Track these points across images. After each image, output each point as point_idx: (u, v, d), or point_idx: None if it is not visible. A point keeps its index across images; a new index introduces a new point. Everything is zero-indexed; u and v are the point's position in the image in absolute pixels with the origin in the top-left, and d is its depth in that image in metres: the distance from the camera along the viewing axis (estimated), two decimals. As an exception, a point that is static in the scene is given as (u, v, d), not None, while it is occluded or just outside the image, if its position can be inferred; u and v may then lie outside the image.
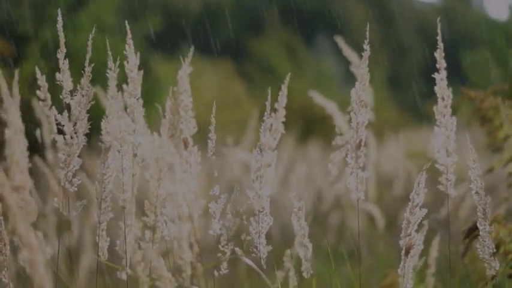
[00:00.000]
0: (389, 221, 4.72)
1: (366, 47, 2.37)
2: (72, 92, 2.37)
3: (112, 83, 2.42)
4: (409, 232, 2.25)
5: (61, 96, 2.37)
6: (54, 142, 3.05)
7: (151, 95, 8.33)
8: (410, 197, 2.25)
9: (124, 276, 2.43)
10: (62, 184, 2.34)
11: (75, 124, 2.36)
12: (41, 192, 3.56)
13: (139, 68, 2.47)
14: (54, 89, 2.54)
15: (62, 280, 3.04)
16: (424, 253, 2.85)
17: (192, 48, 2.60)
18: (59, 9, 2.37)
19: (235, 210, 2.37)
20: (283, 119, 2.38)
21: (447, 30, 17.21)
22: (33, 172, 2.96)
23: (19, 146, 2.84)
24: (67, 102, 2.37)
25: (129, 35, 2.45)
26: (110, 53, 2.44)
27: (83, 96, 2.36)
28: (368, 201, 4.54)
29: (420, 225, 2.38)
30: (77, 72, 2.43)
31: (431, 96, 2.52)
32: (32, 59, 8.13)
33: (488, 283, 2.38)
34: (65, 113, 2.35)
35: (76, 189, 2.35)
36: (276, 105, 2.43)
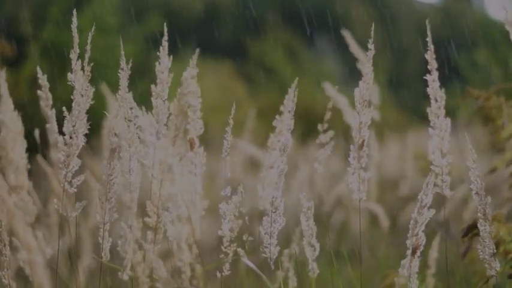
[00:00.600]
0: (390, 222, 4.70)
1: (371, 46, 2.36)
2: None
3: (123, 83, 2.40)
4: (416, 232, 2.25)
5: (72, 97, 2.35)
6: (55, 142, 3.04)
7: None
8: (419, 197, 2.25)
9: (126, 277, 2.42)
10: (61, 185, 2.33)
11: (74, 124, 2.35)
12: (43, 193, 3.55)
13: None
14: (55, 88, 2.54)
15: (62, 280, 3.04)
16: (424, 253, 2.84)
17: (197, 50, 2.59)
18: (74, 10, 2.35)
19: (238, 211, 2.37)
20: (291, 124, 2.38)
21: (447, 30, 17.19)
22: (34, 172, 2.95)
23: (16, 146, 2.83)
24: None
25: (165, 37, 2.43)
26: (122, 52, 2.42)
27: (82, 96, 2.35)
28: (370, 202, 4.53)
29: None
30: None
31: (431, 96, 2.50)
32: (32, 59, 8.13)
33: (488, 281, 2.38)
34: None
35: (75, 190, 2.34)
36: (282, 108, 2.43)
